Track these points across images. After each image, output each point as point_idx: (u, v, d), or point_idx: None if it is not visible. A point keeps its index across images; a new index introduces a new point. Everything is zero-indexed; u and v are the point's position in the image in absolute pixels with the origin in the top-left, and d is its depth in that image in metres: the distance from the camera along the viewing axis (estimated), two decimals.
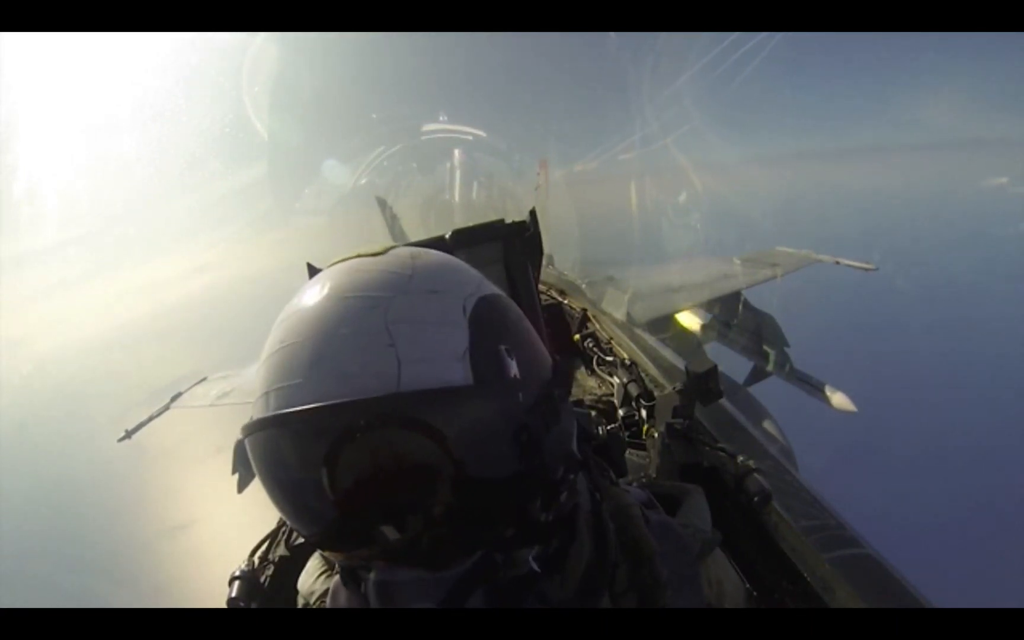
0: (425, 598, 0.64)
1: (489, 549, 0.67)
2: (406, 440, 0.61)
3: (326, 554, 0.74)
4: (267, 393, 0.67)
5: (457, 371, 0.65)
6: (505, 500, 0.68)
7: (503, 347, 0.70)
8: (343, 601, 0.76)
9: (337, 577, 0.81)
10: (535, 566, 0.70)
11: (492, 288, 0.78)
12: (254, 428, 0.67)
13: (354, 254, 0.78)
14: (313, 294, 0.71)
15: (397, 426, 0.61)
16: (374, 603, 0.62)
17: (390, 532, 0.64)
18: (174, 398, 7.02)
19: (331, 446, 0.61)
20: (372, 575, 0.64)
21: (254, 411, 0.70)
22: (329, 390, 0.62)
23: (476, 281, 0.76)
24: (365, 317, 0.66)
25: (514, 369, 0.70)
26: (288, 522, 0.74)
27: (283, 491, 0.69)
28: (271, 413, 0.65)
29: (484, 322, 0.70)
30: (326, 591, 0.84)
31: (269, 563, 1.69)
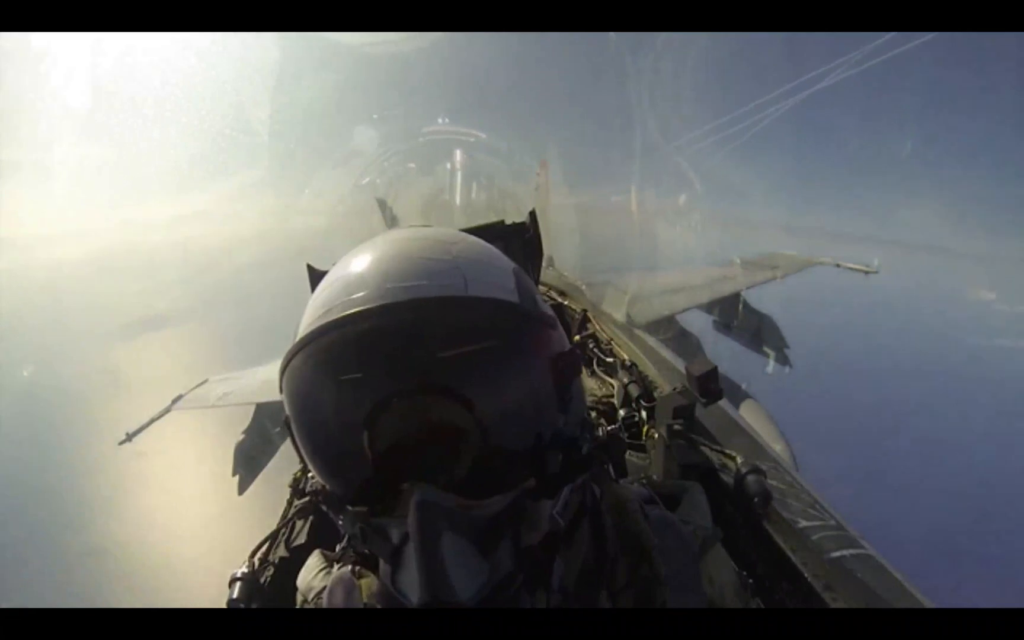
0: (461, 534, 0.65)
1: (519, 496, 0.71)
2: (442, 406, 0.67)
3: (354, 508, 0.75)
4: (328, 310, 0.70)
5: (512, 295, 0.74)
6: (533, 443, 0.73)
7: (538, 296, 0.81)
8: (340, 597, 0.76)
9: (335, 573, 0.81)
10: (560, 520, 0.74)
11: None
12: (308, 339, 0.69)
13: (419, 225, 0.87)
14: (374, 243, 0.78)
15: (435, 394, 0.67)
16: (414, 525, 0.63)
17: (414, 487, 0.66)
18: (175, 400, 7.03)
19: (378, 401, 0.66)
20: (415, 496, 0.64)
21: (305, 332, 0.71)
22: (398, 296, 0.67)
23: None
24: (434, 248, 0.75)
25: (549, 310, 0.81)
26: (314, 468, 0.77)
27: (323, 419, 0.72)
28: (337, 316, 0.67)
29: (522, 278, 0.80)
30: (324, 589, 0.85)
31: (269, 564, 1.69)
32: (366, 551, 0.77)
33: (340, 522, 0.79)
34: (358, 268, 0.73)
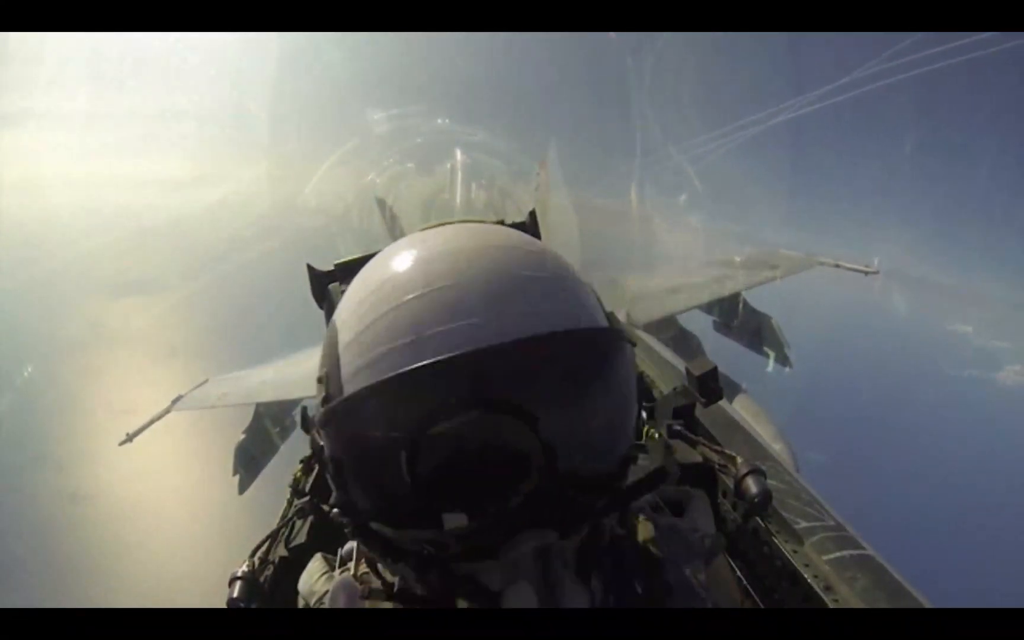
0: (569, 568, 0.66)
1: (599, 518, 0.72)
2: (508, 427, 0.62)
3: (396, 534, 0.69)
4: (415, 341, 0.62)
5: (603, 321, 0.75)
6: (616, 464, 0.75)
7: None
8: (342, 601, 0.76)
9: (337, 578, 0.81)
10: (619, 529, 0.76)
11: None
12: (411, 377, 0.60)
13: (454, 221, 0.82)
14: (444, 246, 0.71)
15: (504, 413, 0.62)
16: (536, 577, 0.63)
17: (455, 520, 0.64)
18: (175, 400, 7.02)
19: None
20: (529, 544, 0.63)
21: (380, 367, 0.63)
22: (519, 328, 0.63)
23: None
24: (528, 264, 0.70)
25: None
26: (367, 477, 0.68)
27: (403, 427, 0.62)
28: (454, 352, 0.60)
29: (596, 294, 0.80)
30: (326, 593, 0.85)
31: (269, 563, 1.68)
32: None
33: (388, 558, 0.72)
34: (451, 281, 0.65)
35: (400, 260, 0.71)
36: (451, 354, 0.60)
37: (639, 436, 0.83)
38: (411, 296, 0.65)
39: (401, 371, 0.61)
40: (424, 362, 0.60)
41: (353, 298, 0.73)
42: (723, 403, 2.00)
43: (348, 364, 0.67)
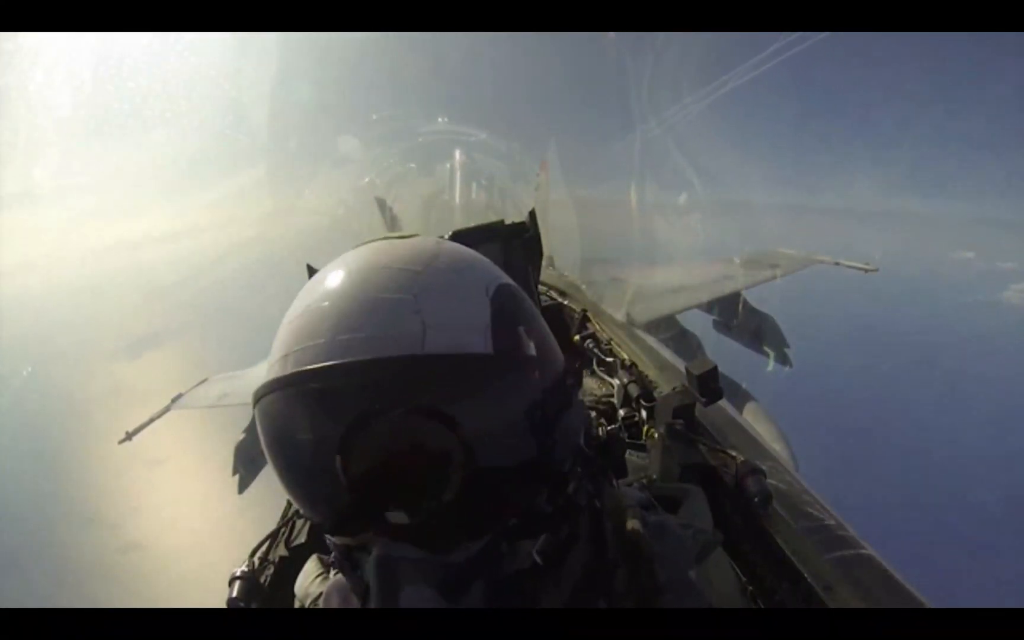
0: (425, 580, 0.63)
1: (495, 537, 0.67)
2: (421, 426, 0.62)
3: (333, 539, 0.73)
4: (286, 355, 0.67)
5: (479, 342, 0.66)
6: (514, 486, 0.68)
7: (521, 328, 0.72)
8: (336, 602, 0.76)
9: (332, 579, 0.81)
10: (538, 559, 0.70)
11: (509, 279, 0.79)
12: (268, 389, 0.67)
13: (381, 237, 0.80)
14: (341, 265, 0.73)
15: (414, 413, 0.62)
16: (373, 582, 0.62)
17: (398, 517, 0.63)
18: (175, 399, 7.00)
19: (350, 425, 0.61)
20: (373, 552, 0.63)
21: (269, 374, 0.69)
22: (353, 349, 0.63)
23: (496, 270, 0.78)
24: (393, 284, 0.68)
25: (532, 349, 0.72)
26: (294, 499, 0.74)
27: (293, 461, 0.69)
28: (289, 372, 0.65)
29: (504, 304, 0.72)
30: (321, 594, 0.84)
31: (269, 563, 1.69)
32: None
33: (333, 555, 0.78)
34: (320, 303, 0.68)
35: (315, 278, 0.75)
36: (287, 372, 0.66)
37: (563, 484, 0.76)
38: (298, 314, 0.70)
39: (261, 386, 0.68)
40: (272, 378, 0.67)
41: None
42: (723, 403, 2.01)
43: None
